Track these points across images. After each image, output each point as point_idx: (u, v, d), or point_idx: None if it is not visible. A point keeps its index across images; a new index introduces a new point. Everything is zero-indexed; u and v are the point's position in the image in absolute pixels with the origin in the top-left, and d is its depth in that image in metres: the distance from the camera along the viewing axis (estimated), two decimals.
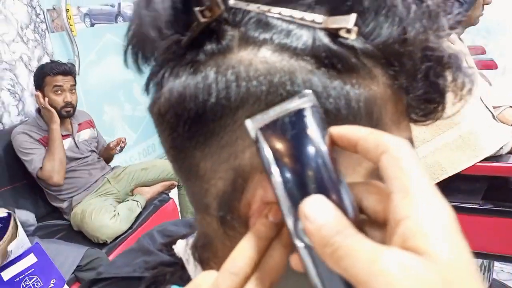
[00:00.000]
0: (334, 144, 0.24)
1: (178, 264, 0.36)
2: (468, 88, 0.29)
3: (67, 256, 1.54)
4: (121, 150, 2.13)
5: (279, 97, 0.25)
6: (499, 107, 1.51)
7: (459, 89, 0.29)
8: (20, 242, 1.29)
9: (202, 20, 0.25)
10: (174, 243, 0.39)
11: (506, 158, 1.23)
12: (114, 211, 1.79)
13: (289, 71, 0.25)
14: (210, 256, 0.34)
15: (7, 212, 1.28)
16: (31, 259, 1.46)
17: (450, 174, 1.22)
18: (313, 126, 0.23)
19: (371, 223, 0.23)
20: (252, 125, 0.24)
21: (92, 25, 2.61)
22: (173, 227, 0.44)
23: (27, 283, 1.38)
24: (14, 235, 1.27)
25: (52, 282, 1.39)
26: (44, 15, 2.24)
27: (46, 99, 1.82)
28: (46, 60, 2.23)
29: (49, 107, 1.80)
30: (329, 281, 0.21)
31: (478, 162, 1.20)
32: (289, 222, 0.22)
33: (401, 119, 0.29)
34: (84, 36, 2.51)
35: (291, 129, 0.23)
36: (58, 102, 1.84)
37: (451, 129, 1.21)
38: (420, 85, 0.27)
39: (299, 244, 0.22)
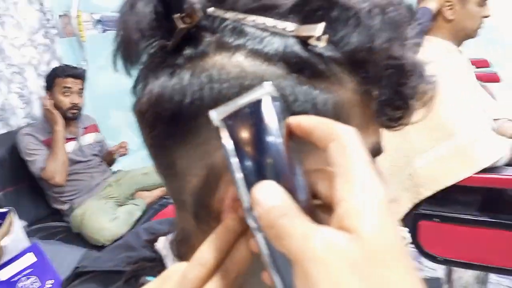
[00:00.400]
0: (292, 134, 0.25)
1: (158, 260, 0.38)
2: (430, 95, 0.31)
3: (65, 257, 1.56)
4: (120, 156, 2.16)
5: None
6: (498, 119, 1.51)
7: (421, 94, 0.31)
8: (16, 238, 1.31)
9: (182, 26, 0.27)
10: (157, 240, 0.41)
11: (502, 170, 1.23)
12: (114, 214, 1.82)
13: (260, 75, 0.27)
14: (187, 250, 0.35)
15: (7, 208, 1.31)
16: (30, 258, 1.48)
17: (447, 185, 1.23)
18: (270, 116, 0.24)
19: (324, 207, 0.25)
20: (215, 116, 0.25)
21: (104, 31, 2.66)
22: (158, 226, 0.46)
23: (25, 283, 1.40)
24: (7, 230, 1.29)
25: (49, 283, 1.41)
26: (55, 21, 2.30)
27: (51, 101, 1.86)
28: (55, 64, 2.28)
29: (52, 109, 1.85)
30: (278, 261, 0.23)
31: (474, 174, 1.20)
32: (245, 205, 0.24)
33: (369, 123, 0.30)
34: (94, 42, 2.57)
35: (250, 119, 0.24)
36: (65, 103, 1.89)
37: (448, 141, 1.21)
38: (384, 92, 0.29)
39: (252, 225, 0.23)
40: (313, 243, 0.20)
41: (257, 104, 0.25)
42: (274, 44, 0.27)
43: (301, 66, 0.27)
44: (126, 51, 0.30)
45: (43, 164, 1.81)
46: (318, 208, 0.25)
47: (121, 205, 1.96)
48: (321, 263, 0.20)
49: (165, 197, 2.12)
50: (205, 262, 0.25)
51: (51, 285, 1.40)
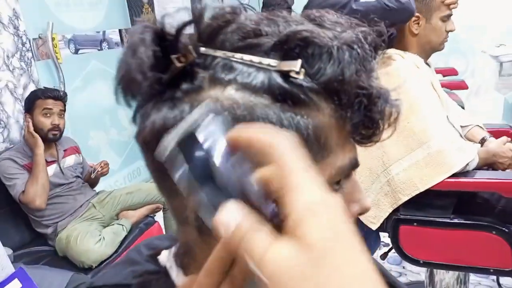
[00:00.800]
0: (236, 147, 0.25)
1: (162, 272, 0.41)
2: (395, 116, 0.36)
3: (52, 282, 1.54)
4: (102, 174, 2.15)
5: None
6: (467, 126, 1.60)
7: (387, 117, 0.36)
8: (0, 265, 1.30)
9: (178, 65, 0.31)
10: (159, 254, 0.44)
11: (473, 173, 1.30)
12: (100, 235, 1.81)
13: (249, 105, 0.31)
14: (190, 261, 0.39)
15: None
16: (15, 285, 1.46)
17: (422, 190, 1.29)
18: (219, 139, 0.24)
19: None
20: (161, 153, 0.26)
21: (77, 51, 2.65)
22: (158, 241, 0.49)
23: None
24: None
25: None
26: (30, 44, 2.29)
27: (31, 125, 1.86)
28: (32, 87, 2.27)
29: (34, 132, 1.84)
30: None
31: (447, 178, 1.26)
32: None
33: (346, 142, 0.35)
34: (69, 63, 2.56)
35: (194, 142, 0.24)
36: (45, 125, 1.88)
37: (420, 148, 1.28)
38: (356, 115, 0.34)
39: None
40: (268, 257, 0.22)
41: (198, 128, 0.25)
42: (260, 78, 0.32)
43: (284, 96, 0.32)
44: (129, 88, 0.34)
45: (22, 187, 1.79)
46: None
47: (106, 226, 1.95)
48: (276, 275, 0.22)
49: (151, 215, 2.13)
50: (215, 271, 0.28)
51: None
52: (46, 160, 1.92)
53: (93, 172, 2.12)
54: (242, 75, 0.32)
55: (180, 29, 0.33)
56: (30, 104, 1.91)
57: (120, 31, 3.05)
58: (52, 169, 1.93)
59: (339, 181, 0.36)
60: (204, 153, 0.24)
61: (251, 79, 0.32)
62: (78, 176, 2.06)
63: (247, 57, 0.32)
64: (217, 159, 0.24)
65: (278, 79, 0.32)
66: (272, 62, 0.32)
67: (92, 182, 2.16)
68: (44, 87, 2.05)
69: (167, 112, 0.32)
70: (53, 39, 2.37)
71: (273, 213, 0.24)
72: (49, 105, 1.90)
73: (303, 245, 0.22)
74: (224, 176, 0.24)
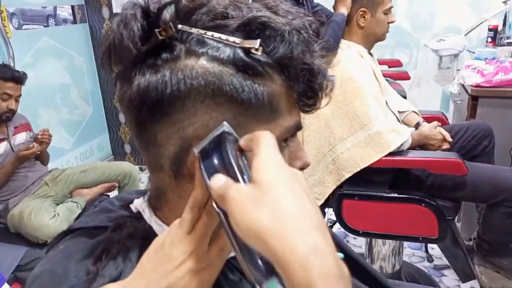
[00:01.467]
0: (242, 149, 0.37)
1: (135, 216, 0.49)
2: (330, 88, 0.45)
3: (5, 257, 1.54)
4: (41, 143, 1.99)
5: (211, 89, 0.39)
6: (405, 111, 1.76)
7: (324, 89, 0.45)
8: None
9: (160, 37, 0.39)
10: (131, 203, 0.51)
11: (406, 153, 1.46)
12: (54, 211, 1.81)
13: (218, 73, 0.40)
14: (162, 203, 0.47)
15: None
16: None
17: (362, 167, 1.43)
18: (224, 142, 0.37)
19: None
20: (196, 151, 0.38)
21: (20, 26, 2.53)
22: (128, 195, 0.56)
23: None
24: None
25: None
26: None
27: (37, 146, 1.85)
28: None
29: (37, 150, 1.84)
30: (224, 216, 0.35)
31: (384, 157, 1.41)
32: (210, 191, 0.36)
33: (292, 108, 0.45)
34: (19, 38, 2.47)
35: (211, 149, 0.37)
36: (1, 108, 1.84)
37: (362, 129, 1.42)
38: (301, 86, 0.43)
39: (216, 209, 0.35)
40: (230, 192, 0.32)
41: (216, 138, 0.37)
42: (227, 52, 0.40)
43: (245, 67, 0.40)
44: (119, 54, 0.41)
45: None
46: None
47: (59, 204, 1.94)
48: (233, 201, 0.32)
49: (106, 194, 2.14)
50: (194, 206, 0.38)
51: None
52: None
53: (32, 137, 2.01)
54: (212, 49, 0.40)
55: (161, 7, 0.40)
56: None
57: (72, 7, 2.97)
58: (2, 147, 1.89)
59: (286, 139, 0.45)
60: (217, 152, 0.36)
61: (220, 53, 0.40)
62: None
63: (216, 35, 0.40)
64: (223, 153, 0.36)
65: (241, 54, 0.40)
66: (237, 40, 0.40)
67: (42, 159, 2.12)
68: (3, 63, 1.96)
69: (150, 76, 0.40)
70: (1, 11, 2.27)
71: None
72: (9, 89, 1.84)
73: (257, 184, 0.32)
74: (223, 161, 0.36)
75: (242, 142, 0.37)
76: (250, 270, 0.32)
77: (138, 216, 0.49)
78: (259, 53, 0.40)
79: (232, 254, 0.46)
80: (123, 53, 0.40)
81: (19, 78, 1.88)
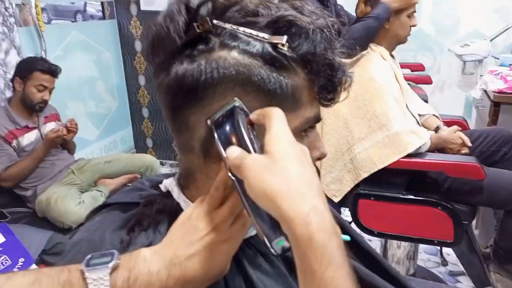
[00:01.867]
0: (253, 123, 0.43)
1: (164, 195, 0.53)
2: (348, 83, 0.49)
3: (32, 239, 1.61)
4: (69, 133, 2.08)
5: (241, 79, 0.44)
6: (425, 115, 1.77)
7: (343, 83, 0.49)
8: None
9: (198, 31, 0.44)
10: (159, 183, 0.56)
11: (424, 155, 1.47)
12: (80, 198, 1.89)
13: (248, 65, 0.44)
14: (190, 182, 0.52)
15: None
16: None
17: (379, 168, 1.45)
18: (236, 117, 0.42)
19: None
20: (209, 123, 0.44)
21: (50, 21, 2.62)
22: (157, 177, 0.60)
23: None
24: None
25: (20, 261, 1.47)
26: (13, 9, 2.29)
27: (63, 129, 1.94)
28: (13, 53, 2.28)
29: (56, 139, 1.94)
30: (241, 184, 0.39)
31: (401, 158, 1.42)
32: (225, 161, 0.41)
33: (313, 100, 0.49)
34: (51, 32, 2.57)
35: (224, 122, 0.42)
36: (36, 98, 1.94)
37: (380, 130, 1.44)
38: (322, 80, 0.47)
39: (231, 177, 0.40)
40: (245, 161, 0.38)
41: (230, 111, 0.43)
42: (256, 46, 0.45)
43: (273, 60, 0.45)
44: (162, 45, 0.45)
45: (4, 165, 1.85)
46: None
47: (84, 192, 2.03)
48: (248, 169, 0.37)
49: (128, 184, 2.21)
50: (221, 186, 0.43)
51: (22, 263, 1.46)
52: (27, 126, 1.97)
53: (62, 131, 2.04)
54: (243, 43, 0.45)
55: (200, 4, 0.45)
56: (27, 72, 1.94)
57: (102, 3, 3.06)
58: (33, 134, 1.99)
59: (306, 129, 0.49)
60: (230, 124, 0.42)
61: (250, 47, 0.45)
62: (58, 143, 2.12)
63: (248, 30, 0.45)
64: (233, 126, 0.42)
65: (269, 48, 0.45)
66: (266, 35, 0.44)
67: (68, 147, 2.20)
68: (41, 57, 2.06)
69: (187, 64, 0.45)
70: (36, 6, 2.38)
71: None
72: (46, 82, 1.95)
73: (269, 154, 0.38)
74: (235, 135, 0.41)
75: (253, 116, 0.42)
76: (262, 228, 0.38)
77: (167, 194, 0.53)
78: (285, 48, 0.44)
79: (250, 233, 0.50)
80: (167, 44, 0.45)
81: (55, 71, 1.99)
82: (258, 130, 0.42)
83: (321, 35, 0.45)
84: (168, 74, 0.46)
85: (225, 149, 0.40)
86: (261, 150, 0.40)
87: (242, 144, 0.40)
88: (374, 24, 1.46)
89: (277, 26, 0.45)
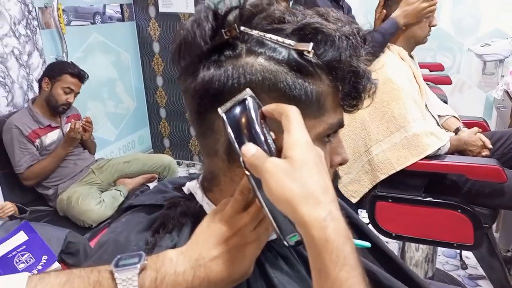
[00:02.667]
0: (265, 116, 0.43)
1: (187, 197, 0.54)
2: (373, 90, 0.49)
3: (52, 235, 1.64)
4: (85, 131, 2.11)
5: (267, 85, 0.44)
6: (445, 116, 1.74)
7: (367, 90, 0.49)
8: None
9: (225, 37, 0.45)
10: (182, 186, 0.57)
11: (444, 157, 1.45)
12: (100, 197, 1.93)
13: (274, 71, 0.45)
14: (214, 185, 0.53)
15: None
16: (21, 236, 1.56)
17: (398, 170, 1.43)
18: (250, 108, 0.42)
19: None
20: (220, 111, 0.43)
21: (69, 22, 2.66)
22: (179, 180, 0.62)
23: (20, 259, 1.50)
24: None
25: (44, 258, 1.51)
26: (36, 12, 2.36)
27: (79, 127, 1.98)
28: (36, 55, 2.35)
29: (77, 136, 1.98)
30: (257, 183, 0.40)
31: (420, 160, 1.41)
32: (240, 160, 0.41)
33: (337, 106, 0.49)
34: (72, 34, 2.63)
35: (236, 112, 0.42)
36: (61, 99, 1.99)
37: (399, 131, 1.42)
38: (346, 87, 0.47)
39: (246, 172, 0.41)
40: (266, 164, 0.39)
41: (242, 101, 0.43)
42: (282, 53, 0.45)
43: (298, 67, 0.45)
44: (189, 50, 0.47)
45: (27, 164, 1.91)
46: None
47: (103, 191, 2.07)
48: (269, 173, 0.38)
49: (146, 184, 2.25)
50: (245, 191, 0.44)
51: (45, 261, 1.50)
52: (50, 126, 2.03)
53: (74, 124, 2.04)
54: (270, 49, 0.46)
55: (228, 11, 0.46)
56: (56, 73, 2.00)
57: (121, 5, 3.12)
58: (55, 134, 2.04)
59: (329, 135, 0.50)
60: (242, 116, 0.42)
61: (276, 53, 0.45)
62: (79, 143, 2.17)
63: (274, 37, 0.45)
64: (247, 120, 0.42)
65: (295, 55, 0.45)
66: (292, 42, 0.45)
67: (88, 147, 2.24)
68: (71, 62, 2.11)
69: (214, 70, 0.45)
70: (58, 9, 2.43)
71: (274, 152, 0.42)
72: (74, 86, 2.01)
73: (288, 159, 0.39)
74: (250, 130, 0.41)
75: (267, 109, 0.43)
76: (278, 224, 0.40)
77: (190, 197, 0.54)
78: (311, 55, 0.44)
79: (271, 236, 0.51)
80: (193, 49, 0.46)
81: (83, 77, 2.06)
82: (270, 123, 0.43)
83: (347, 42, 0.46)
84: (195, 79, 0.46)
85: (238, 141, 0.41)
86: (274, 147, 0.41)
87: (256, 140, 0.41)
88: (380, 39, 1.45)
89: (303, 33, 0.45)
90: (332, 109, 0.48)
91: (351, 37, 0.46)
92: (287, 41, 0.45)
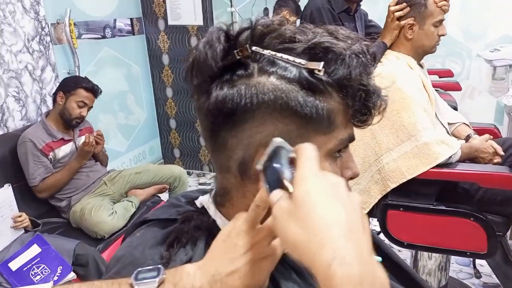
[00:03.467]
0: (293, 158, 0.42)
1: (200, 211, 0.55)
2: (383, 107, 0.50)
3: (63, 247, 1.66)
4: (97, 143, 2.11)
5: (279, 104, 0.45)
6: (455, 123, 1.74)
7: (378, 107, 0.50)
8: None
9: (237, 57, 0.46)
10: (195, 200, 0.58)
11: (455, 165, 1.44)
12: (112, 209, 1.95)
13: (285, 90, 0.46)
14: (226, 200, 0.54)
15: None
16: (35, 249, 1.60)
17: (408, 178, 1.43)
18: (280, 156, 0.41)
19: None
20: (258, 167, 0.42)
21: (80, 36, 2.72)
22: (192, 193, 0.63)
23: (36, 271, 1.52)
24: None
25: (59, 269, 1.53)
26: (49, 29, 2.41)
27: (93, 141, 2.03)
28: (49, 70, 2.40)
29: (90, 149, 2.02)
30: None
31: (431, 169, 1.40)
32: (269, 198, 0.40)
33: (347, 123, 0.50)
34: (83, 48, 2.68)
35: (271, 164, 0.41)
36: (75, 113, 2.03)
37: (409, 140, 1.42)
38: (357, 104, 0.48)
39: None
40: (273, 209, 0.37)
41: (276, 149, 0.42)
42: (293, 72, 0.46)
43: (309, 85, 0.46)
44: (200, 69, 0.48)
45: (41, 177, 1.95)
46: None
47: (115, 202, 2.09)
48: (275, 217, 0.37)
49: (157, 195, 2.27)
50: (259, 203, 0.44)
51: (61, 271, 1.53)
52: (63, 139, 2.06)
53: (88, 138, 2.07)
54: (281, 68, 0.47)
55: (240, 32, 0.48)
56: (71, 87, 2.04)
57: (131, 19, 3.17)
58: (68, 147, 2.07)
59: (339, 150, 0.50)
60: (275, 166, 0.41)
61: (287, 72, 0.46)
62: (92, 155, 2.20)
63: (285, 56, 0.46)
64: (278, 167, 0.41)
65: (306, 74, 0.46)
66: (302, 61, 0.46)
67: (100, 159, 2.27)
68: (85, 77, 2.16)
69: (227, 89, 0.47)
70: (70, 24, 2.49)
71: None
72: (87, 100, 2.05)
73: (293, 198, 0.36)
74: (279, 178, 0.40)
75: (292, 153, 0.42)
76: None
77: (203, 211, 0.55)
78: (321, 73, 0.45)
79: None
80: (205, 69, 0.47)
81: (96, 91, 2.10)
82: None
83: (357, 60, 0.46)
84: (208, 98, 0.48)
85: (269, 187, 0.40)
86: None
87: (283, 186, 0.39)
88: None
89: (313, 52, 0.46)
90: (343, 125, 0.49)
91: (360, 55, 0.47)
92: (298, 60, 0.46)
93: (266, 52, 0.46)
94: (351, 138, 0.51)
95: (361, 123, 0.50)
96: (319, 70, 0.45)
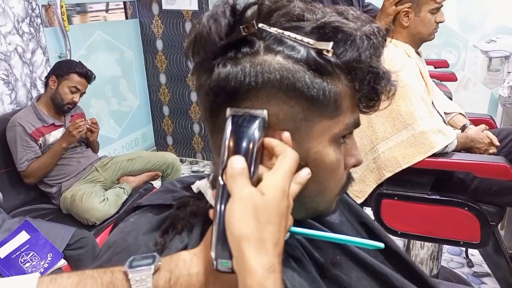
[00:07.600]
0: (262, 147, 0.43)
1: (196, 196, 0.53)
2: (392, 92, 0.48)
3: (57, 234, 1.64)
4: (91, 131, 2.10)
5: (285, 84, 0.43)
6: (451, 113, 1.73)
7: (387, 91, 0.48)
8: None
9: (243, 34, 0.43)
10: (190, 185, 0.56)
11: (451, 155, 1.44)
12: (103, 195, 1.92)
13: (292, 70, 0.44)
14: None
15: None
16: (23, 236, 1.56)
17: (404, 167, 1.42)
18: (259, 128, 0.43)
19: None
20: (229, 111, 0.44)
21: (71, 19, 2.63)
22: (187, 179, 0.61)
23: (25, 259, 1.49)
24: None
25: (49, 256, 1.51)
26: (39, 10, 2.35)
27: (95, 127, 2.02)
28: (39, 53, 2.34)
29: (77, 134, 1.97)
30: (224, 193, 0.40)
31: (427, 158, 1.40)
32: (222, 165, 0.41)
33: (354, 107, 0.48)
34: (75, 32, 2.62)
35: (244, 122, 0.43)
36: (67, 98, 1.99)
37: (405, 129, 1.41)
38: (365, 88, 0.46)
39: (220, 180, 0.41)
40: (244, 189, 0.39)
41: (252, 117, 0.43)
42: (301, 51, 0.44)
43: (317, 66, 0.44)
44: (203, 45, 0.45)
45: (28, 162, 1.90)
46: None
47: (107, 189, 2.06)
48: (242, 200, 0.38)
49: (150, 182, 2.24)
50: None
51: (51, 258, 1.50)
52: (53, 124, 2.02)
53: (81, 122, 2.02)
54: (288, 48, 0.44)
55: (246, 7, 0.45)
56: (64, 72, 1.99)
57: (124, 3, 3.10)
58: (59, 132, 2.03)
59: (344, 136, 0.49)
60: (246, 130, 0.42)
61: (295, 52, 0.44)
62: (82, 141, 2.16)
63: (293, 35, 0.44)
64: (249, 137, 0.42)
65: (314, 54, 0.44)
66: (311, 41, 0.43)
67: (92, 146, 2.24)
68: (79, 61, 2.10)
69: (231, 67, 0.44)
70: (61, 6, 2.42)
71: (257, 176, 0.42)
72: (80, 85, 2.01)
73: (264, 197, 0.39)
74: (246, 145, 0.42)
75: (271, 141, 0.43)
76: (218, 244, 0.39)
77: (199, 196, 0.53)
78: (330, 54, 0.43)
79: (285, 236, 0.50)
80: (207, 44, 0.44)
81: (90, 77, 2.05)
82: (262, 152, 0.43)
83: (368, 42, 0.44)
84: (210, 76, 0.45)
85: (231, 147, 0.41)
86: (256, 178, 0.41)
87: (248, 158, 0.41)
88: None
89: (322, 31, 0.44)
90: (349, 109, 0.47)
91: (372, 37, 0.45)
92: (306, 39, 0.43)
93: (273, 29, 0.44)
94: (357, 124, 0.49)
95: (368, 108, 0.48)
96: (328, 51, 0.43)
